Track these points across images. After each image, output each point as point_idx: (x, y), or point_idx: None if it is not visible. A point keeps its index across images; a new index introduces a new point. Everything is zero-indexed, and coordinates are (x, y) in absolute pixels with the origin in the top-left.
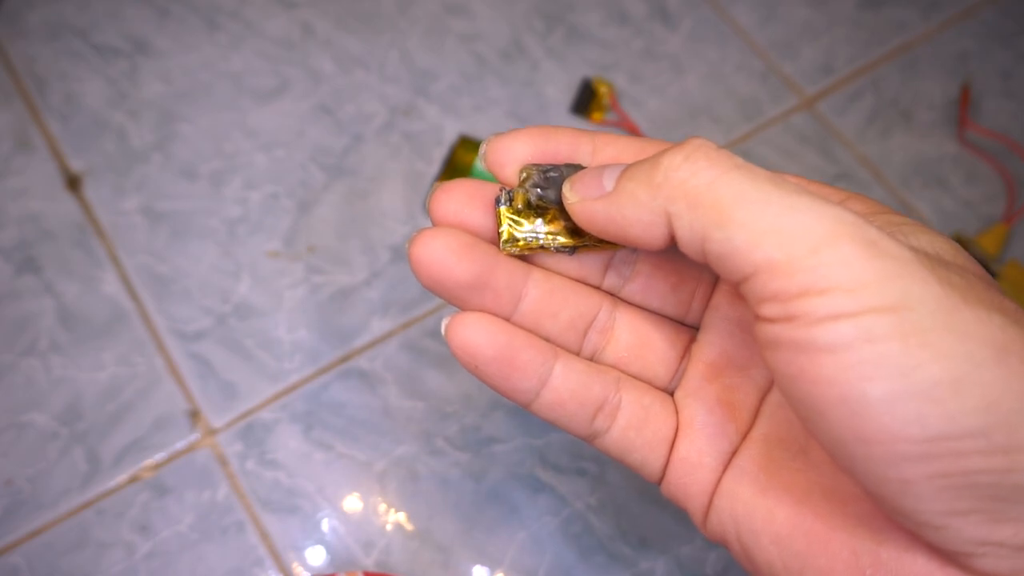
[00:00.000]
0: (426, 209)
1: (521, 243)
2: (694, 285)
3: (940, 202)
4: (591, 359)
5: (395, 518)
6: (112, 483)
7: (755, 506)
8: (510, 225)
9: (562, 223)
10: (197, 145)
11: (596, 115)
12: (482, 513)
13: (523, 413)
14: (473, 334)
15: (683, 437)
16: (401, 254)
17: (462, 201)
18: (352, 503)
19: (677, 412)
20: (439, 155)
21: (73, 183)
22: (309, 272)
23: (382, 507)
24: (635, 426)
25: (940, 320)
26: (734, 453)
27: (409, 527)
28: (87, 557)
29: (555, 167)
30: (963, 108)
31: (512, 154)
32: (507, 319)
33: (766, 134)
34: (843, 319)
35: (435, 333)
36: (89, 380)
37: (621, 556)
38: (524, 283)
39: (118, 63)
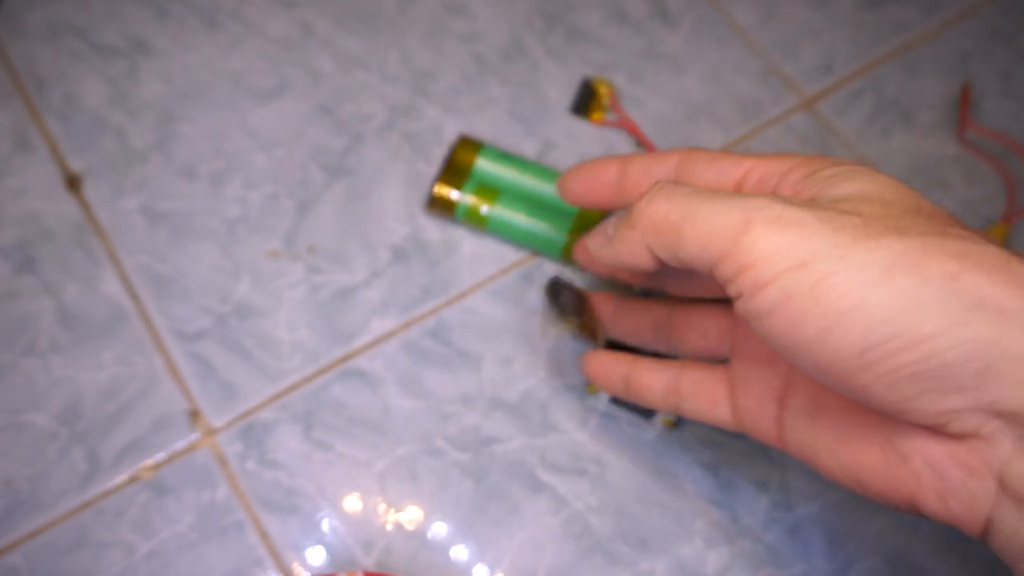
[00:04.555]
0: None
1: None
2: None
3: (940, 202)
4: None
5: (395, 518)
6: (112, 483)
7: (810, 432)
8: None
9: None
10: (197, 145)
11: (596, 115)
12: (482, 513)
13: (523, 413)
14: (603, 367)
15: (740, 392)
16: (401, 254)
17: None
18: (352, 503)
19: (732, 374)
20: (439, 155)
21: (73, 183)
22: (309, 272)
23: (382, 507)
24: (701, 394)
25: (835, 263)
26: (785, 392)
27: (409, 527)
28: (87, 557)
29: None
30: (963, 108)
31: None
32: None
33: (766, 134)
34: (768, 285)
35: (435, 333)
36: (89, 380)
37: (621, 556)
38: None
39: (118, 63)
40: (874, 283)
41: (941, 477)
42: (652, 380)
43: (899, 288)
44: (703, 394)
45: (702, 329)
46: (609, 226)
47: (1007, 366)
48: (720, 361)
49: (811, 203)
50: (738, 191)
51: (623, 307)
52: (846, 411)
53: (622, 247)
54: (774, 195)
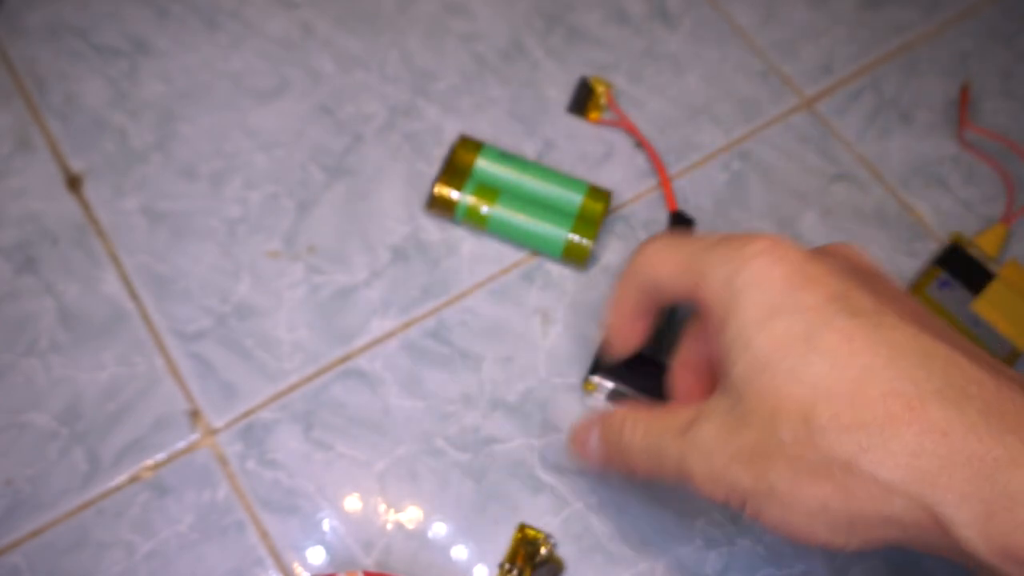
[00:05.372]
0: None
1: None
2: None
3: (939, 203)
4: None
5: (395, 518)
6: (112, 483)
7: None
8: None
9: None
10: (197, 145)
11: (594, 115)
12: (482, 513)
13: (523, 413)
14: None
15: None
16: (401, 254)
17: None
18: (352, 503)
19: None
20: (439, 155)
21: (73, 183)
22: (309, 272)
23: (382, 507)
24: None
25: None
26: None
27: (409, 527)
28: (87, 557)
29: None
30: (962, 108)
31: None
32: None
33: (766, 134)
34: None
35: (435, 333)
36: (89, 380)
37: (621, 556)
38: None
39: (118, 63)
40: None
41: None
42: None
43: None
44: None
45: None
46: (591, 446)
47: None
48: None
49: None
50: None
51: None
52: None
53: (611, 471)
54: (713, 421)
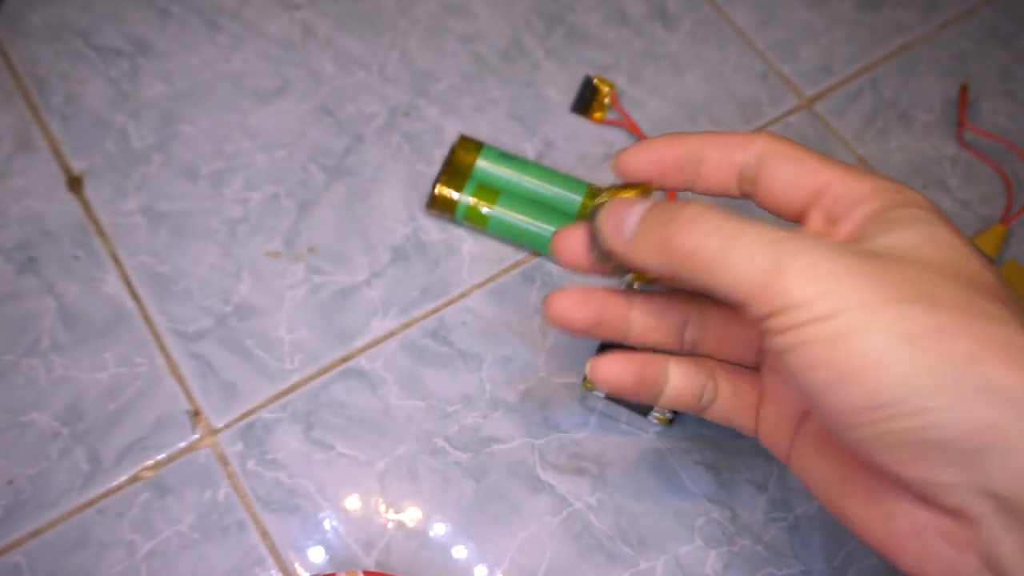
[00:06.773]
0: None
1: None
2: None
3: (939, 203)
4: (692, 351)
5: (395, 518)
6: (113, 483)
7: (812, 461)
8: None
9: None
10: (198, 145)
11: (597, 114)
12: (482, 513)
13: (523, 413)
14: (612, 368)
15: (765, 404)
16: (401, 254)
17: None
18: (352, 503)
19: (762, 385)
20: (439, 155)
21: (74, 183)
22: (309, 272)
23: (382, 507)
24: (730, 398)
25: (862, 319)
26: (805, 416)
27: (409, 527)
28: (88, 556)
29: None
30: (961, 109)
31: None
32: (625, 336)
33: None
34: (790, 331)
35: (435, 333)
36: (90, 380)
37: (621, 556)
38: (629, 311)
39: (119, 64)
40: (895, 349)
41: (923, 542)
42: (684, 380)
43: (918, 360)
44: (739, 399)
45: (729, 335)
46: (630, 220)
47: (1005, 452)
48: (745, 367)
49: (854, 248)
50: (803, 213)
51: (648, 305)
52: (848, 454)
53: (641, 255)
54: (814, 237)
